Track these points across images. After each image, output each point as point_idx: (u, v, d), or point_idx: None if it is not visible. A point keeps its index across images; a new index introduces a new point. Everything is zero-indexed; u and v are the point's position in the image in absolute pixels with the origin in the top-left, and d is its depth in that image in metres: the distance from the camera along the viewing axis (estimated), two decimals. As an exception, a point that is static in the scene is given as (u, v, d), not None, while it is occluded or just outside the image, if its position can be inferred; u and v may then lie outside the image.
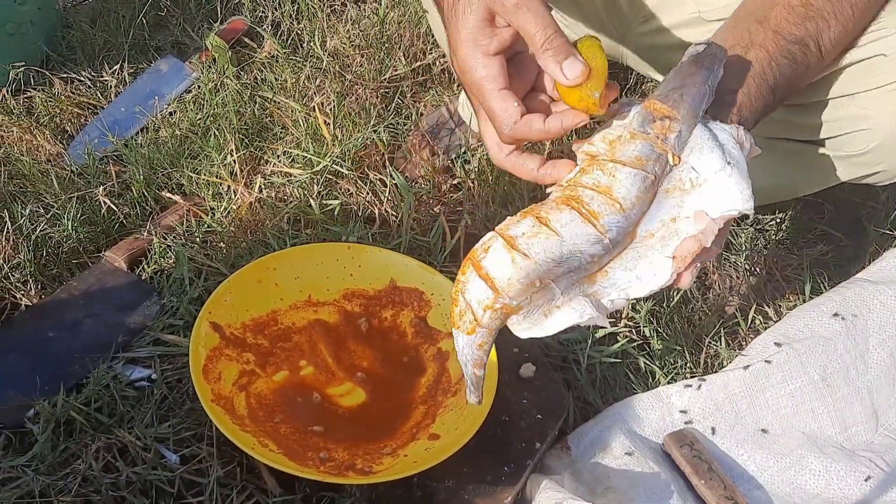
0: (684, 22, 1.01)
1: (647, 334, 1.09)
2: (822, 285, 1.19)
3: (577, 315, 0.53)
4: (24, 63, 1.43)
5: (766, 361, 1.01)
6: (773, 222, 1.26)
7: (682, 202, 0.58)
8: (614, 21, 1.10)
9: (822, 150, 0.93)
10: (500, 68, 0.67)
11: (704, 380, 1.01)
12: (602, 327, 0.53)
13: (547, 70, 0.66)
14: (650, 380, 1.06)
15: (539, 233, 0.54)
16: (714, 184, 0.59)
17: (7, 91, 1.42)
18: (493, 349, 0.91)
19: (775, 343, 1.04)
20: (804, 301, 1.15)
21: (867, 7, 0.78)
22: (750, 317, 1.15)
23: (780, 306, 1.17)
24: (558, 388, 0.97)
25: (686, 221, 0.57)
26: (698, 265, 0.59)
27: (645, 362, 1.06)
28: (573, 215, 0.56)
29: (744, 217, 0.59)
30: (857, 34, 0.80)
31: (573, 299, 0.54)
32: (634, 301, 0.55)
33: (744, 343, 1.12)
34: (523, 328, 0.54)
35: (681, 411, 0.99)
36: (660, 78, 1.16)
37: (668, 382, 1.04)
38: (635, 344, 1.08)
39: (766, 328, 1.11)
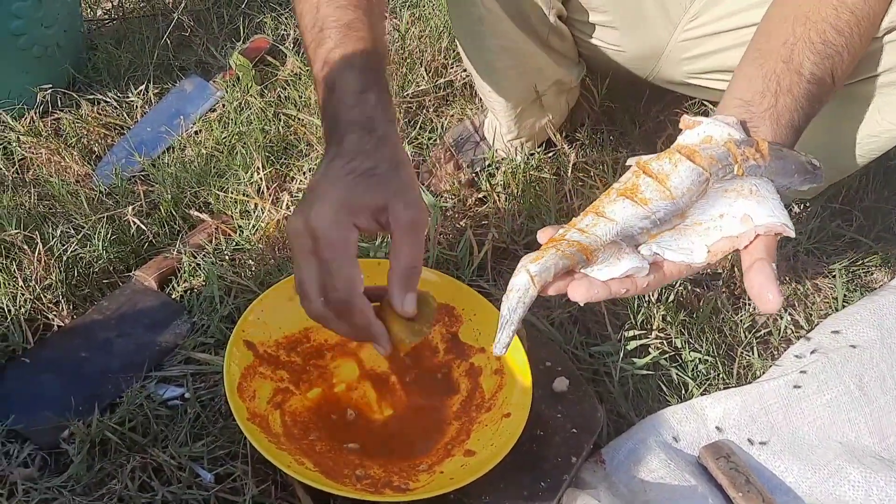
0: (746, 6, 1.01)
1: (679, 345, 1.08)
2: (853, 293, 1.18)
3: (636, 261, 0.62)
4: (51, 85, 1.45)
5: (800, 371, 1.00)
6: (801, 230, 1.26)
7: (734, 203, 0.65)
8: (659, 22, 1.09)
9: (880, 81, 0.88)
10: (356, 242, 0.70)
11: (739, 391, 1.00)
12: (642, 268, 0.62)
13: (391, 290, 0.72)
14: (683, 391, 1.05)
15: (598, 223, 0.64)
16: (771, 200, 0.65)
17: (35, 113, 1.43)
18: (527, 363, 0.91)
19: (809, 352, 1.03)
20: (836, 310, 1.14)
21: (869, 32, 0.79)
22: (782, 326, 1.14)
23: (811, 315, 1.16)
24: (592, 402, 0.96)
25: (731, 220, 0.64)
26: (777, 286, 0.61)
27: (677, 374, 1.06)
28: (626, 203, 0.65)
29: (786, 239, 0.66)
30: (862, 56, 0.81)
31: (631, 253, 0.63)
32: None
33: (776, 353, 1.11)
34: (602, 273, 0.62)
35: (716, 427, 0.98)
36: (695, 82, 1.16)
37: (702, 394, 1.03)
38: (667, 356, 1.07)
39: (798, 338, 1.10)
